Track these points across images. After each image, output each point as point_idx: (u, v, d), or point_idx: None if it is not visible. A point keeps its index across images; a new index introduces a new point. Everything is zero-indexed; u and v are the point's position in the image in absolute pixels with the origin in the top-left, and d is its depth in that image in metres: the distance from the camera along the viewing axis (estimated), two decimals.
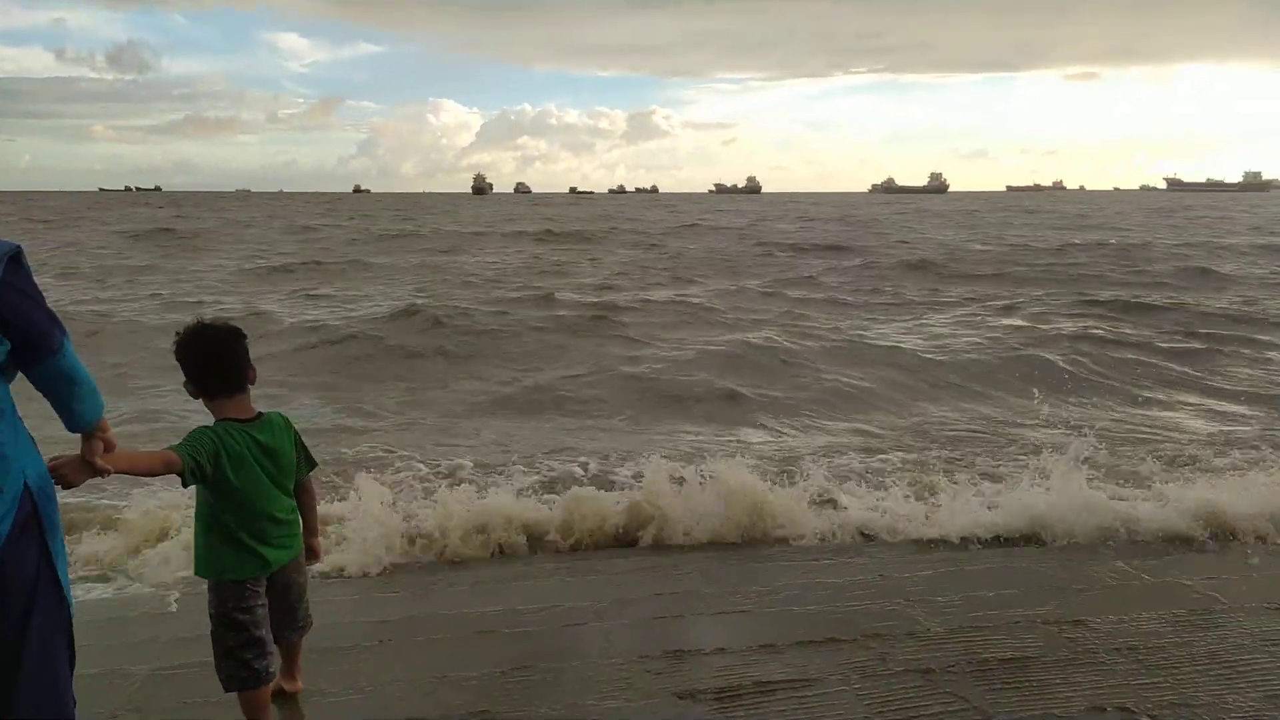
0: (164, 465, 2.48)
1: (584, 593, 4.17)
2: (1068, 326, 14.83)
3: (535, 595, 4.14)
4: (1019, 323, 15.67)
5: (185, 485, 2.58)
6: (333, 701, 3.14)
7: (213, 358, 2.64)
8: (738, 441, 8.16)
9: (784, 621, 3.77)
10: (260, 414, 2.76)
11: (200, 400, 2.71)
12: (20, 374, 2.01)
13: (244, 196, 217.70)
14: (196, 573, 2.77)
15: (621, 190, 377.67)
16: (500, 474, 6.58)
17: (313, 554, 3.05)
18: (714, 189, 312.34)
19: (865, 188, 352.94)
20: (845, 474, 6.39)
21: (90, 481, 2.24)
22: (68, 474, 2.14)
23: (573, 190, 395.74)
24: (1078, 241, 35.59)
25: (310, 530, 3.01)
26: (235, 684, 2.73)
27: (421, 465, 7.09)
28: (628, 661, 3.39)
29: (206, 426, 2.68)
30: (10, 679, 1.93)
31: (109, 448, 2.20)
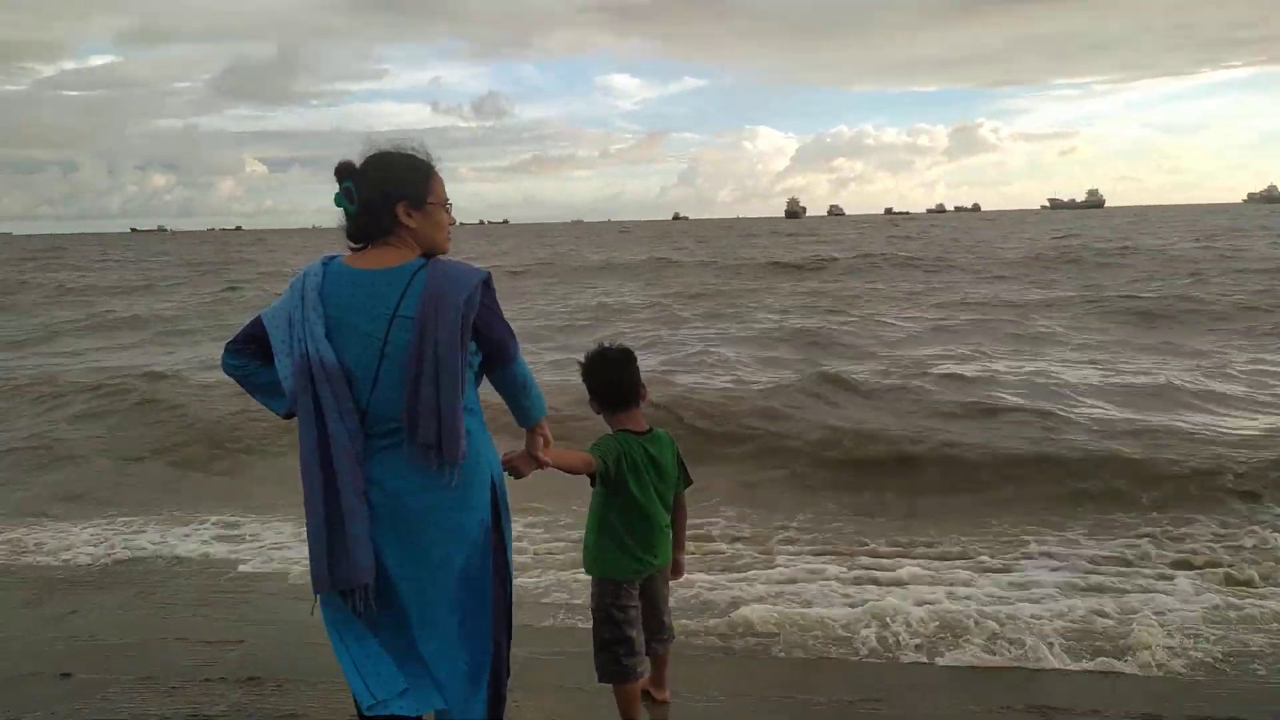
0: (584, 465, 2.71)
1: None
2: None
3: None
4: None
5: (593, 485, 2.86)
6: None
7: (614, 378, 2.90)
8: None
9: None
10: (650, 429, 2.96)
11: (601, 415, 2.97)
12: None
13: (578, 226, 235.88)
14: (586, 570, 2.98)
15: (941, 210, 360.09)
16: None
17: (677, 568, 3.13)
18: (1048, 204, 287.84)
19: (1238, 197, 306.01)
20: None
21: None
22: (519, 466, 2.43)
23: (888, 211, 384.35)
24: None
25: (678, 544, 3.10)
26: (607, 676, 2.92)
27: None
28: None
29: (610, 435, 2.90)
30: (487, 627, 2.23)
31: (546, 444, 2.45)
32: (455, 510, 2.14)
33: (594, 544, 2.92)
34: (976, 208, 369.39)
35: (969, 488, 6.63)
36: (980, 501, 6.36)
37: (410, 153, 2.20)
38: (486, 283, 2.16)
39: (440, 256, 2.19)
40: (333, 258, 2.17)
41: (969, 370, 10.81)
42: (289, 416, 2.16)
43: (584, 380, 2.94)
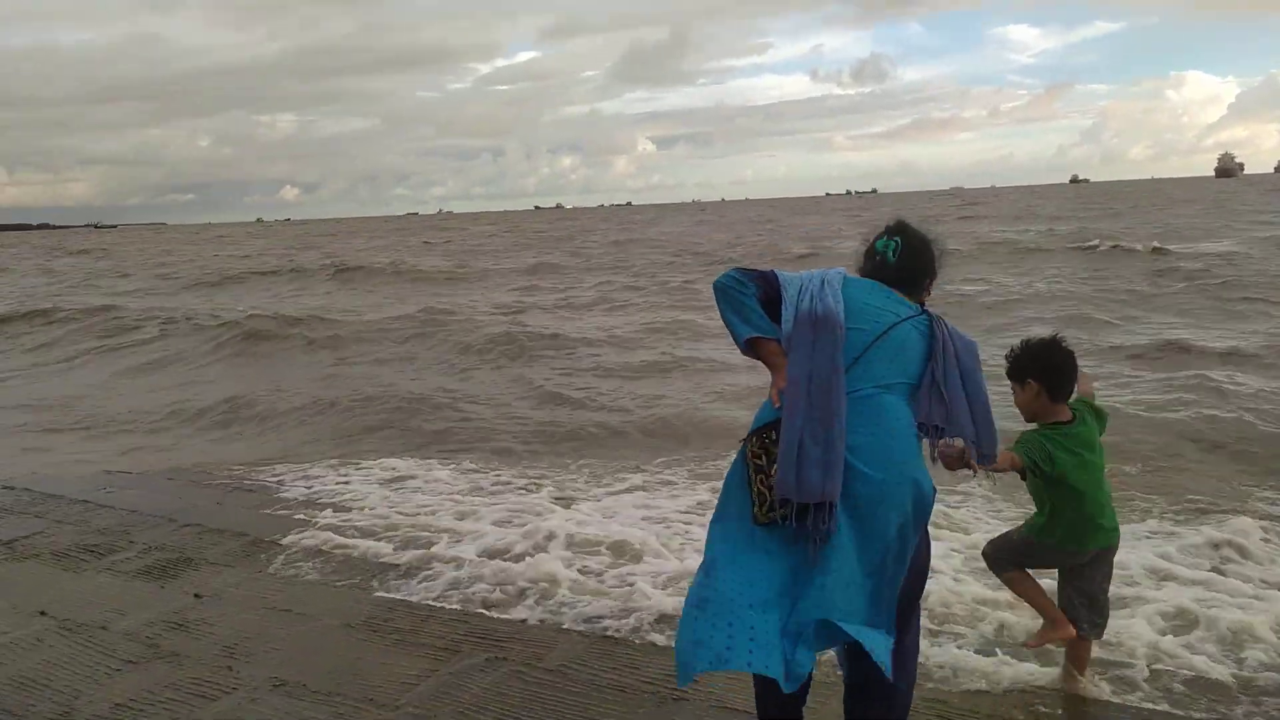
0: (1009, 463, 2.95)
1: None
2: None
3: None
4: None
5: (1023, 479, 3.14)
6: None
7: (1071, 367, 3.17)
8: None
9: None
10: (1074, 414, 3.20)
11: (1030, 411, 3.22)
12: None
13: (956, 193, 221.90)
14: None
15: None
16: None
17: None
18: None
19: None
20: None
21: None
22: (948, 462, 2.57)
23: None
24: None
25: None
26: (1088, 631, 3.29)
27: None
28: None
29: (1034, 433, 3.16)
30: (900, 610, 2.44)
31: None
32: (906, 468, 2.36)
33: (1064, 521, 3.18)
34: None
35: None
36: None
37: (938, 244, 2.66)
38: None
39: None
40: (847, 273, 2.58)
41: None
42: (747, 348, 2.45)
43: (1026, 366, 3.15)
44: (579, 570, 4.83)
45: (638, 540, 5.25)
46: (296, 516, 5.92)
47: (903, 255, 2.56)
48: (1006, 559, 3.35)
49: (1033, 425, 3.21)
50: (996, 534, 3.62)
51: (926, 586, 2.71)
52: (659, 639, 3.91)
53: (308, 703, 3.28)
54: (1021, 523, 3.45)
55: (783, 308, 2.44)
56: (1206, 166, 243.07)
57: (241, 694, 3.35)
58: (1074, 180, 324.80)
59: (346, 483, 6.97)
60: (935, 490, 2.46)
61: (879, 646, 2.24)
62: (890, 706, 2.49)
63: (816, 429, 2.29)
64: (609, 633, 3.99)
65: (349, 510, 6.10)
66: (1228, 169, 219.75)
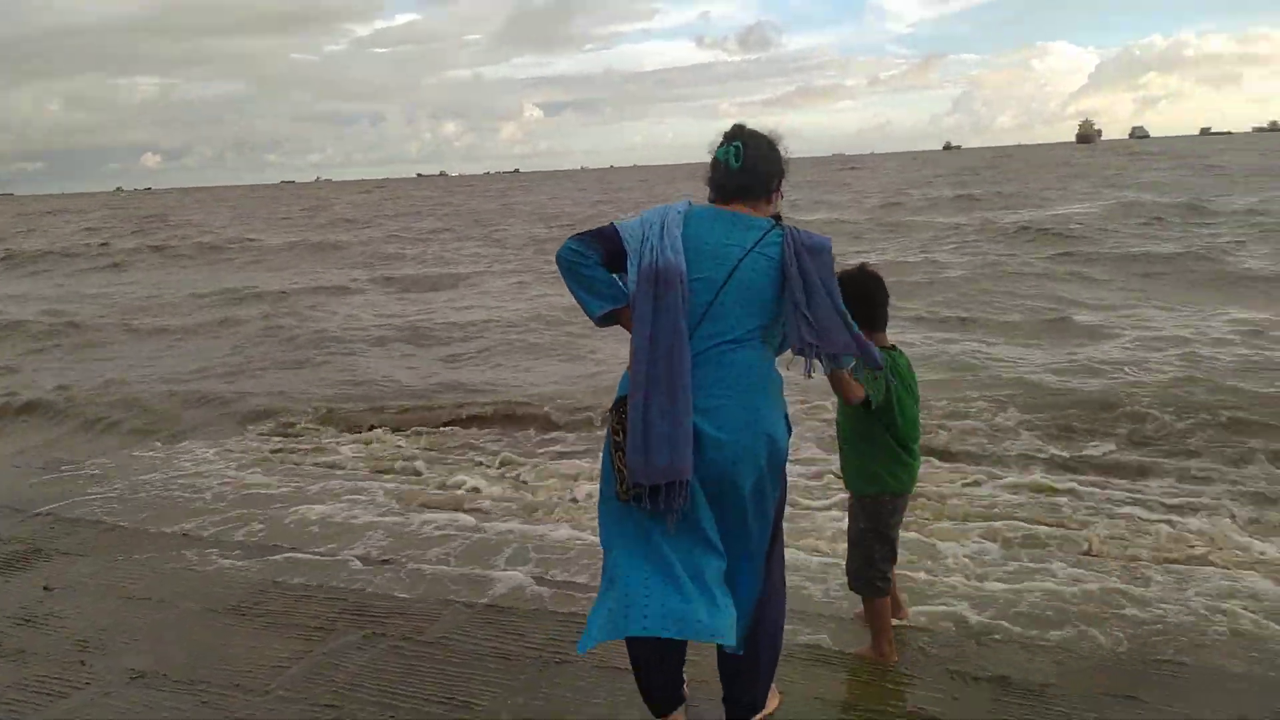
0: (860, 393, 2.87)
1: None
2: None
3: None
4: None
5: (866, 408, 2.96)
6: None
7: (881, 296, 3.12)
8: None
9: None
10: (893, 344, 3.16)
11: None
12: None
13: (838, 159, 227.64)
14: (855, 490, 3.18)
15: (1275, 127, 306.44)
16: None
17: None
18: None
19: None
20: None
21: None
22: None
23: (1204, 131, 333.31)
24: None
25: None
26: (873, 590, 3.17)
27: None
28: None
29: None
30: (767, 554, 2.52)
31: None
32: (760, 423, 2.36)
33: (870, 461, 3.10)
34: None
35: None
36: None
37: (781, 141, 2.53)
38: (829, 247, 2.45)
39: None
40: (691, 201, 2.52)
41: None
42: (602, 321, 2.41)
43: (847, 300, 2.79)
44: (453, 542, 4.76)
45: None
46: (158, 502, 5.62)
47: (746, 158, 2.44)
48: (880, 560, 3.16)
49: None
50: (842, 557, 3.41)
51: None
52: (547, 604, 3.88)
53: (168, 693, 3.10)
54: (846, 512, 3.32)
55: (628, 264, 2.37)
56: (1069, 133, 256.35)
57: (94, 689, 3.14)
58: (947, 147, 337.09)
59: (209, 466, 6.68)
60: (791, 430, 2.50)
61: (725, 633, 2.27)
62: (763, 619, 2.52)
63: (663, 401, 2.25)
64: (493, 603, 3.93)
65: (206, 494, 5.85)
66: (1087, 136, 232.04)
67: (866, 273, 3.12)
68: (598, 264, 2.39)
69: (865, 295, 3.03)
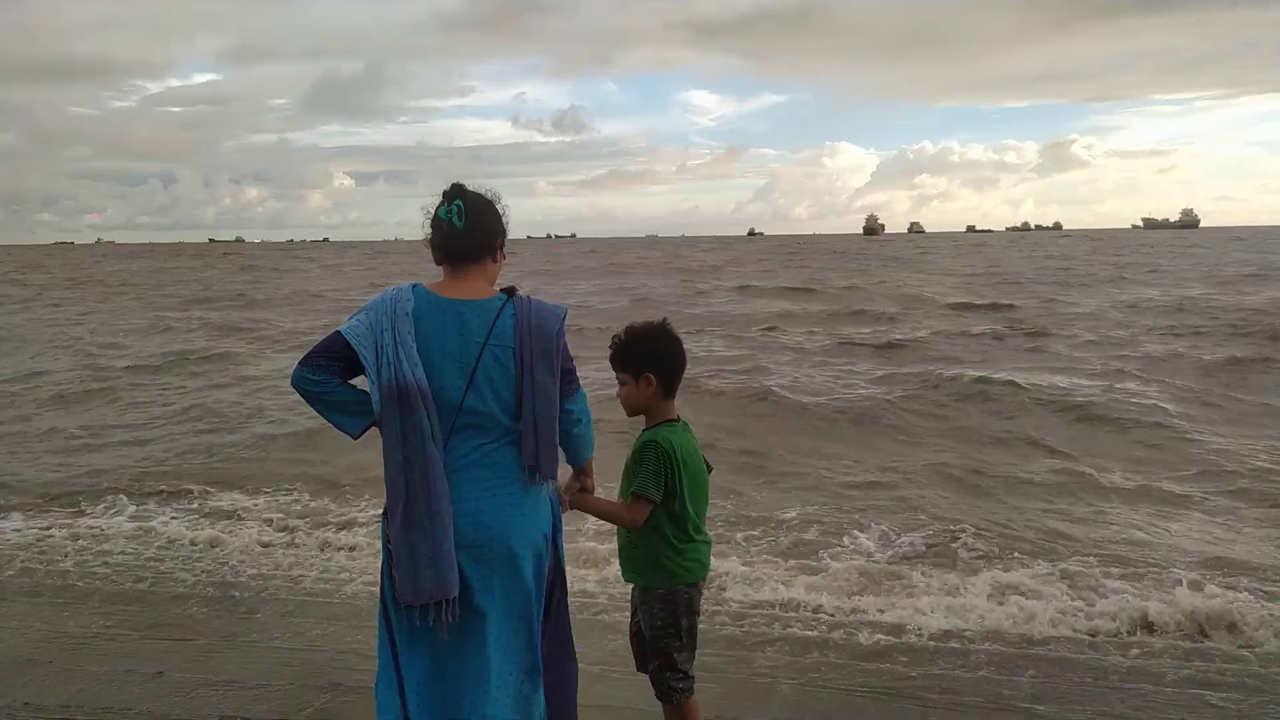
0: (631, 514, 2.68)
1: None
2: None
3: None
4: None
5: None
6: None
7: (680, 356, 2.79)
8: None
9: None
10: (677, 415, 2.83)
11: (637, 405, 2.80)
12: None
13: (651, 242, 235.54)
14: (648, 583, 2.77)
15: (1026, 228, 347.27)
16: None
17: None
18: (1141, 224, 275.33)
19: None
20: None
21: None
22: (563, 499, 2.65)
23: (970, 229, 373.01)
24: None
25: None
26: (679, 695, 2.77)
27: None
28: None
29: (653, 443, 2.70)
30: (542, 633, 2.49)
31: (589, 486, 2.75)
32: (525, 522, 2.37)
33: (658, 551, 2.72)
34: (1058, 226, 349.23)
35: None
36: None
37: (499, 199, 2.51)
38: (563, 319, 2.46)
39: (519, 293, 2.46)
40: (417, 285, 2.40)
41: None
42: (359, 437, 2.38)
43: (643, 358, 2.74)
44: None
45: None
46: None
47: (468, 216, 2.40)
48: (685, 659, 2.74)
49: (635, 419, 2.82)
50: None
51: None
52: None
53: None
54: (635, 609, 2.84)
55: (367, 378, 2.29)
56: (856, 225, 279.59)
57: None
58: (751, 234, 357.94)
59: None
60: (556, 510, 2.52)
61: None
62: (562, 689, 2.55)
63: (425, 523, 2.23)
64: None
65: None
66: (873, 228, 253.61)
67: (672, 333, 2.77)
68: (339, 385, 2.33)
69: (672, 355, 2.73)
